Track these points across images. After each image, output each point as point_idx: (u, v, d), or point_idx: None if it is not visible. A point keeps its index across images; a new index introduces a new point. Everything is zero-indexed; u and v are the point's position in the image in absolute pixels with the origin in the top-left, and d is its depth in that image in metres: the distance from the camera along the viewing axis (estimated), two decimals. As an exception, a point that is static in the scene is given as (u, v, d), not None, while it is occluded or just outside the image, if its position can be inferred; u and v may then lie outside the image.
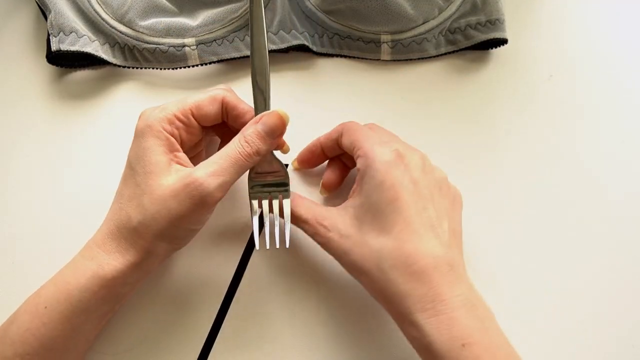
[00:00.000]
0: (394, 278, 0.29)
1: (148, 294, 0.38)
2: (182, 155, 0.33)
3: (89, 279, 0.31)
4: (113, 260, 0.31)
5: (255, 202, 0.35)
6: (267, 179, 0.36)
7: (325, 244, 0.33)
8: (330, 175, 0.39)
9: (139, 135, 0.33)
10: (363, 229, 0.31)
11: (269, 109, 0.35)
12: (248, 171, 0.35)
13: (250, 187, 0.36)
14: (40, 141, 0.43)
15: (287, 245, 0.36)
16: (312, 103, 0.44)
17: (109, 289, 0.31)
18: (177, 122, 0.33)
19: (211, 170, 0.31)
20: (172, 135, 0.33)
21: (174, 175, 0.31)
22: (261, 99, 0.35)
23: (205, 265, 0.39)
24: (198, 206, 0.31)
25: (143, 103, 0.44)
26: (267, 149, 0.33)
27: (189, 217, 0.31)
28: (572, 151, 0.43)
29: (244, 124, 0.34)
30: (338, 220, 0.33)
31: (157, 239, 0.31)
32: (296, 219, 0.35)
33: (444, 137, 0.43)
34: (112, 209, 0.33)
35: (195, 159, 0.36)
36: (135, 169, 0.32)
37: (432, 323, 0.28)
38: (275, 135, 0.33)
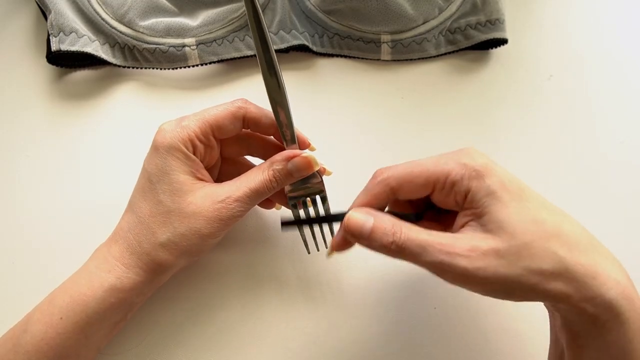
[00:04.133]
0: (578, 259, 0.27)
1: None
2: (205, 172, 0.34)
3: (107, 290, 0.31)
4: (134, 275, 0.31)
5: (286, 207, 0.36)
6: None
7: (479, 270, 0.27)
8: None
9: (162, 153, 0.32)
10: (517, 230, 0.27)
11: (294, 139, 0.34)
12: None
13: (288, 192, 0.35)
14: (40, 141, 0.43)
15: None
16: (312, 103, 0.44)
17: (125, 300, 0.32)
18: (198, 143, 0.33)
19: (239, 194, 0.32)
20: (194, 154, 0.33)
21: (202, 194, 0.32)
22: (287, 132, 0.34)
23: (206, 266, 0.39)
24: (226, 225, 0.32)
25: (143, 103, 0.44)
26: (289, 184, 0.34)
27: (216, 234, 0.32)
28: (572, 151, 0.43)
29: (266, 132, 0.35)
30: (474, 239, 0.28)
31: (184, 254, 0.32)
32: (419, 251, 0.28)
33: (444, 137, 0.43)
34: (130, 221, 0.33)
35: (210, 170, 0.36)
36: (156, 185, 0.32)
37: (624, 298, 0.26)
38: (301, 176, 0.34)
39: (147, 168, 0.33)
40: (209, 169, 0.35)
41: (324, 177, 0.36)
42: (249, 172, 0.34)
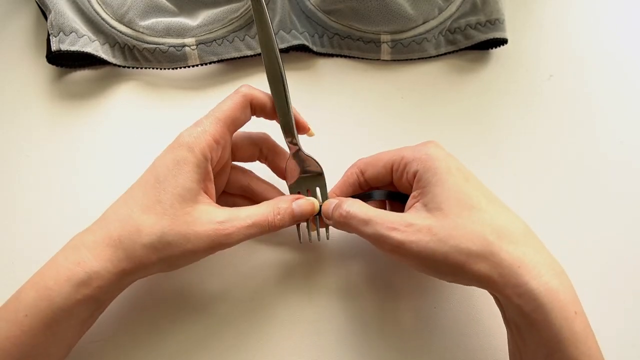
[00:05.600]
0: (506, 247, 0.29)
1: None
2: (210, 186, 0.33)
3: (73, 286, 0.29)
4: (103, 270, 0.30)
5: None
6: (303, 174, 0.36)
7: (412, 243, 0.30)
8: None
9: (178, 156, 0.32)
10: (452, 212, 0.30)
11: (294, 132, 0.35)
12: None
13: (289, 184, 0.37)
14: (40, 141, 0.43)
15: (328, 239, 0.38)
16: (312, 103, 0.44)
17: (92, 297, 0.30)
18: (216, 145, 0.33)
19: (238, 222, 0.32)
20: (211, 163, 0.33)
21: (202, 209, 0.31)
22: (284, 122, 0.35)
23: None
24: (214, 249, 0.32)
25: (143, 103, 0.44)
26: (290, 225, 0.35)
27: (198, 254, 0.32)
28: (572, 151, 0.43)
29: (272, 117, 0.35)
30: (413, 217, 0.31)
31: (159, 263, 0.31)
32: (364, 223, 0.32)
33: (444, 137, 0.42)
34: (118, 214, 0.31)
35: (220, 174, 0.36)
36: (162, 185, 0.31)
37: (547, 290, 0.28)
38: (303, 219, 0.35)
39: (157, 166, 0.32)
40: (219, 172, 0.35)
41: (320, 159, 0.36)
42: (254, 206, 0.34)
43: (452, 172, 0.31)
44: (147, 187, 0.32)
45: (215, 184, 0.34)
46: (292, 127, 0.35)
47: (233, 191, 0.38)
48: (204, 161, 0.32)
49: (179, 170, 0.31)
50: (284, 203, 0.34)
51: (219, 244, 0.31)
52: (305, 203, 0.35)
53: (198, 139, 0.32)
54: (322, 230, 0.38)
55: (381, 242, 0.31)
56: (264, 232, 0.33)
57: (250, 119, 0.35)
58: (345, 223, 0.33)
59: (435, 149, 0.33)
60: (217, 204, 0.33)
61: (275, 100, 0.34)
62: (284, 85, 0.34)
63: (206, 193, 0.33)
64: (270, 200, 0.35)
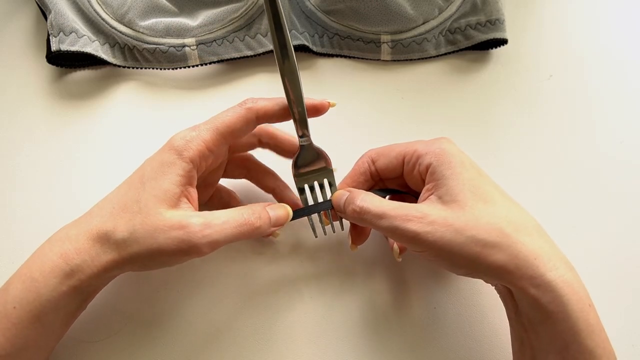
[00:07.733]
0: (522, 239, 0.29)
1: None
2: (193, 192, 0.33)
3: (57, 277, 0.30)
4: (83, 263, 0.30)
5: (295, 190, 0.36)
6: (309, 168, 0.36)
7: (428, 234, 0.30)
8: (356, 227, 0.37)
9: (166, 159, 0.31)
10: (468, 204, 0.30)
11: (305, 120, 0.34)
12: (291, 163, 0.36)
13: (295, 175, 0.36)
14: (40, 141, 0.43)
15: (343, 229, 0.38)
16: (312, 103, 0.44)
17: (77, 288, 0.30)
18: (208, 153, 0.32)
19: (210, 225, 0.30)
20: (197, 169, 0.32)
21: (174, 211, 0.31)
22: (297, 111, 0.34)
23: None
24: (181, 252, 0.30)
25: (143, 103, 0.44)
26: (266, 231, 0.33)
27: (167, 256, 0.30)
28: (572, 151, 0.43)
29: (279, 120, 0.34)
30: (429, 208, 0.31)
31: (130, 260, 0.30)
32: (378, 217, 0.32)
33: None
34: (102, 207, 0.32)
35: (216, 171, 0.36)
36: (144, 184, 0.31)
37: (563, 282, 0.28)
38: (277, 225, 0.34)
39: (144, 166, 0.32)
40: (213, 171, 0.35)
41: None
42: (227, 211, 0.32)
43: (466, 166, 0.32)
44: (131, 185, 0.32)
45: (209, 182, 0.34)
46: (306, 119, 0.34)
47: (234, 177, 0.39)
48: (190, 167, 0.31)
49: (162, 173, 0.31)
50: (259, 207, 0.33)
51: (187, 248, 0.30)
52: (278, 209, 0.34)
53: (190, 142, 0.31)
54: (330, 223, 0.37)
55: (397, 235, 0.31)
56: (238, 236, 0.31)
57: (253, 129, 0.34)
58: (359, 218, 0.33)
59: (449, 144, 0.33)
60: (196, 210, 0.32)
61: (291, 96, 0.33)
62: (299, 78, 0.33)
63: (187, 198, 0.32)
64: (242, 207, 0.33)
